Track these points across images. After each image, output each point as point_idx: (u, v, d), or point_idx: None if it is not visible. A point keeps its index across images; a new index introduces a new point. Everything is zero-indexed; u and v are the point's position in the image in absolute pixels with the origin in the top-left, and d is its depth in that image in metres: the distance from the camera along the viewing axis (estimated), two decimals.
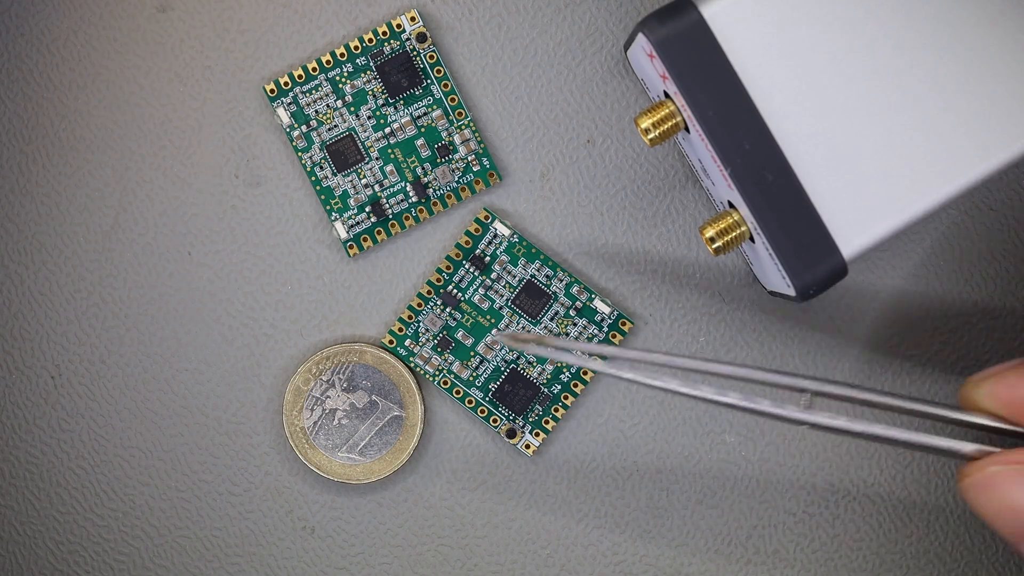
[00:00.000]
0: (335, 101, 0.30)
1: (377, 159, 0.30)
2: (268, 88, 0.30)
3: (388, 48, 0.30)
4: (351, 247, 0.30)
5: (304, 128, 0.30)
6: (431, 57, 0.30)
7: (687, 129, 0.25)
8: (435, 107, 0.30)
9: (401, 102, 0.30)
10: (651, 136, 0.25)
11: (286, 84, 0.30)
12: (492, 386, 0.30)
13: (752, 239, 0.25)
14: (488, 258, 0.30)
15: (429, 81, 0.30)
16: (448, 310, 0.30)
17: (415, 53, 0.30)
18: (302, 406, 0.30)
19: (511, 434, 0.30)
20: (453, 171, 0.30)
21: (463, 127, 0.30)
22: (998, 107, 0.25)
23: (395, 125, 0.30)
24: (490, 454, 0.31)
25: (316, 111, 0.30)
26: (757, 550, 0.31)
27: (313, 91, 0.30)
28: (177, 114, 0.30)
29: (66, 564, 0.31)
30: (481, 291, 0.30)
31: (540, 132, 0.30)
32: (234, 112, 0.30)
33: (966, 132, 0.25)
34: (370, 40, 0.30)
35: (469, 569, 0.31)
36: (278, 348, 0.31)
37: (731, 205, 0.26)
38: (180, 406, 0.31)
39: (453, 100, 0.30)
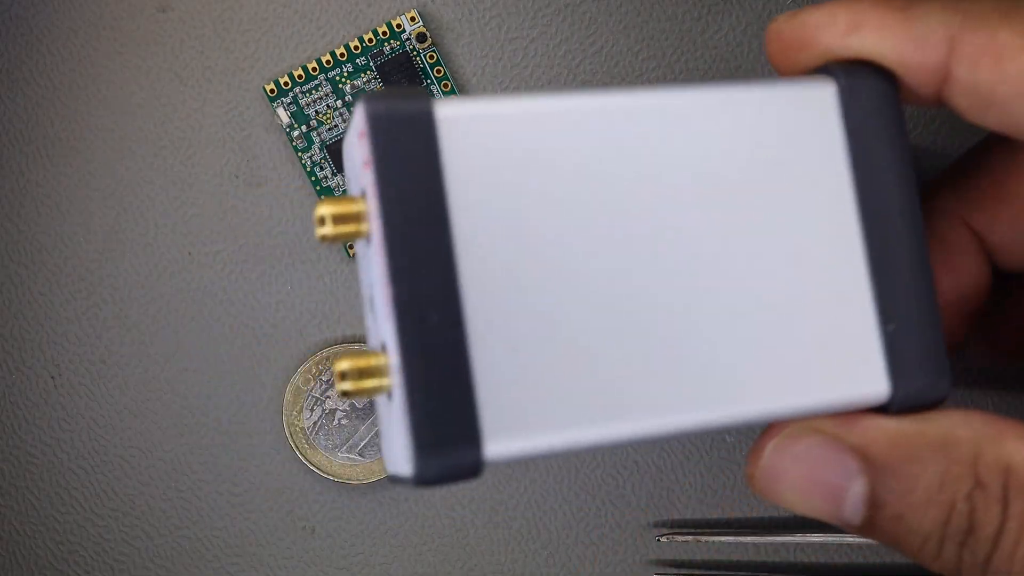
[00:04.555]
0: (335, 101, 0.30)
1: None
2: (268, 88, 0.30)
3: (388, 48, 0.30)
4: (351, 247, 0.30)
5: (304, 128, 0.30)
6: (431, 57, 0.30)
7: (368, 239, 0.19)
8: None
9: None
10: (323, 231, 0.19)
11: (286, 84, 0.30)
12: None
13: (389, 395, 0.19)
14: None
15: (429, 81, 0.30)
16: None
17: (415, 53, 0.30)
18: (302, 406, 0.30)
19: None
20: None
21: None
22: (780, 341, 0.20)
23: None
24: None
25: (316, 111, 0.30)
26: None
27: (313, 91, 0.30)
28: (177, 114, 0.30)
29: (66, 564, 0.31)
30: None
31: None
32: (234, 112, 0.30)
33: (709, 360, 0.19)
34: (370, 40, 0.30)
35: (469, 569, 0.31)
36: (278, 348, 0.31)
37: (384, 348, 0.19)
38: (180, 406, 0.31)
39: None
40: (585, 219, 0.19)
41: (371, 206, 0.19)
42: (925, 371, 0.20)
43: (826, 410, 0.20)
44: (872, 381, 0.20)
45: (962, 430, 0.20)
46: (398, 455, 0.19)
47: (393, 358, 0.18)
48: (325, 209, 0.19)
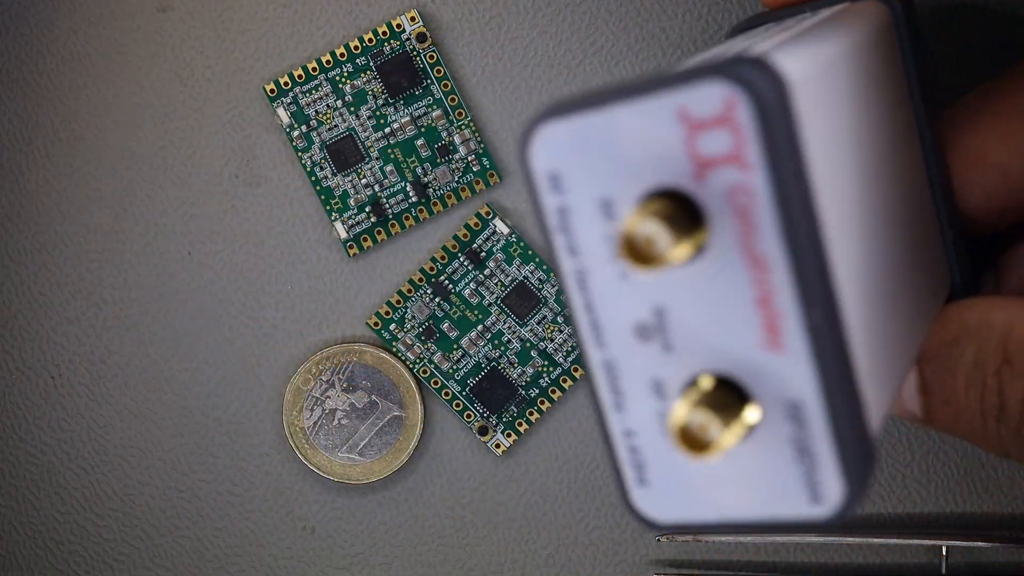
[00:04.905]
0: (335, 101, 0.30)
1: (377, 159, 0.30)
2: (268, 88, 0.30)
3: (388, 48, 0.30)
4: (351, 247, 0.30)
5: (304, 128, 0.30)
6: (431, 57, 0.30)
7: (702, 254, 0.15)
8: (435, 107, 0.30)
9: (401, 102, 0.30)
10: (672, 256, 0.14)
11: (286, 84, 0.30)
12: (471, 381, 0.30)
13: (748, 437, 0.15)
14: (484, 254, 0.30)
15: (429, 81, 0.30)
16: (437, 300, 0.30)
17: (415, 53, 0.30)
18: (302, 406, 0.30)
19: (483, 431, 0.30)
20: (453, 171, 0.30)
21: (463, 127, 0.30)
22: None
23: (395, 125, 0.30)
24: (490, 454, 0.31)
25: (316, 111, 0.30)
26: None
27: (313, 91, 0.30)
28: (177, 114, 0.30)
29: (66, 564, 0.31)
30: (473, 286, 0.30)
31: None
32: (234, 112, 0.30)
33: None
34: (370, 40, 0.30)
35: (469, 569, 0.31)
36: (278, 348, 0.31)
37: (723, 384, 0.15)
38: (180, 406, 0.31)
39: (453, 100, 0.30)
40: (872, 158, 0.17)
41: (740, 211, 0.14)
42: (963, 262, 0.22)
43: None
44: (945, 284, 0.22)
45: (997, 313, 0.21)
46: (791, 495, 0.15)
47: (799, 381, 0.15)
48: (651, 226, 0.14)
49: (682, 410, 0.14)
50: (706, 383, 0.15)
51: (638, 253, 0.14)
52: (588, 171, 0.15)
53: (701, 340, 0.15)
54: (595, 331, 0.16)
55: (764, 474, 0.15)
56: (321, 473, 0.31)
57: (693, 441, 0.14)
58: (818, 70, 0.15)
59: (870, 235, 0.17)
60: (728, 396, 0.15)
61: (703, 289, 0.15)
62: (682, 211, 0.14)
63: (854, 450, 0.15)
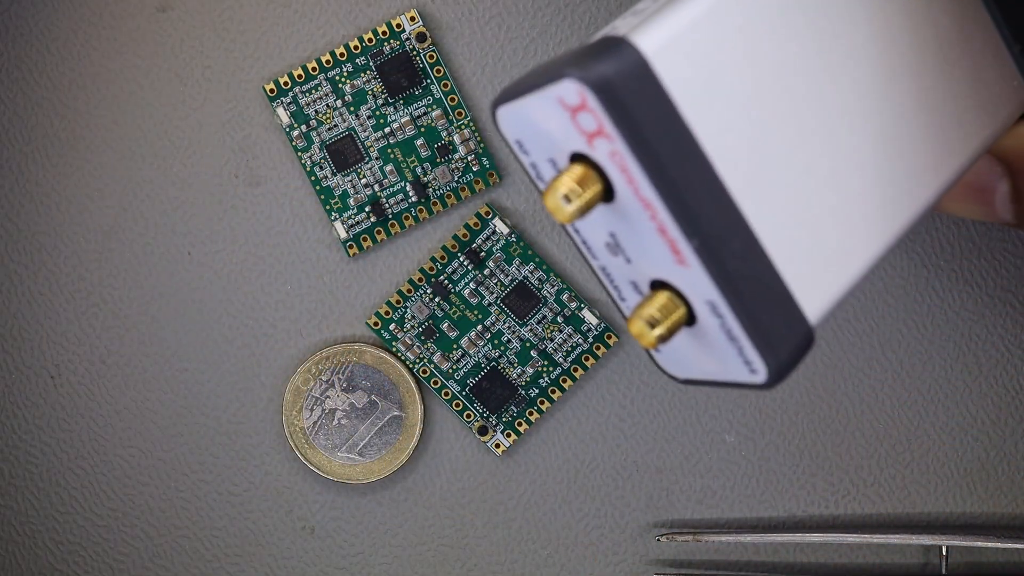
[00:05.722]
0: (335, 101, 0.30)
1: (377, 159, 0.30)
2: (268, 88, 0.30)
3: (388, 48, 0.30)
4: (351, 247, 0.30)
5: (304, 128, 0.30)
6: (431, 57, 0.30)
7: (606, 197, 0.20)
8: (435, 107, 0.30)
9: (401, 102, 0.30)
10: (571, 207, 0.19)
11: (286, 84, 0.30)
12: (470, 381, 0.30)
13: (690, 323, 0.20)
14: (483, 254, 0.30)
15: (429, 81, 0.30)
16: (437, 300, 0.30)
17: (415, 53, 0.30)
18: (301, 406, 0.30)
19: (483, 431, 0.30)
20: (453, 171, 0.30)
21: (463, 127, 0.30)
22: (947, 115, 0.22)
23: (395, 125, 0.30)
24: (490, 454, 0.31)
25: (316, 111, 0.30)
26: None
27: (313, 91, 0.30)
28: (177, 114, 0.30)
29: (65, 564, 0.31)
30: (472, 285, 0.30)
31: None
32: (234, 112, 0.30)
33: (920, 146, 0.22)
34: (370, 40, 0.30)
35: (469, 569, 0.31)
36: (278, 348, 0.31)
37: (658, 285, 0.20)
38: (180, 406, 0.31)
39: (453, 100, 0.30)
40: (787, 81, 0.20)
41: (617, 165, 0.19)
42: None
43: (991, 140, 0.23)
44: (1017, 95, 0.23)
45: None
46: (736, 366, 0.20)
47: (701, 288, 0.19)
48: (566, 186, 0.19)
49: (633, 317, 0.19)
50: (652, 292, 0.20)
51: (556, 205, 0.19)
52: (533, 139, 0.20)
53: (643, 258, 0.20)
54: (586, 247, 0.21)
55: (716, 351, 0.20)
56: (321, 473, 0.31)
57: (643, 338, 0.19)
58: (684, 32, 0.19)
59: (800, 140, 0.20)
60: (671, 300, 0.20)
61: (626, 222, 0.19)
62: (589, 170, 0.19)
63: (768, 329, 0.19)
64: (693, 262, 0.19)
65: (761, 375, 0.20)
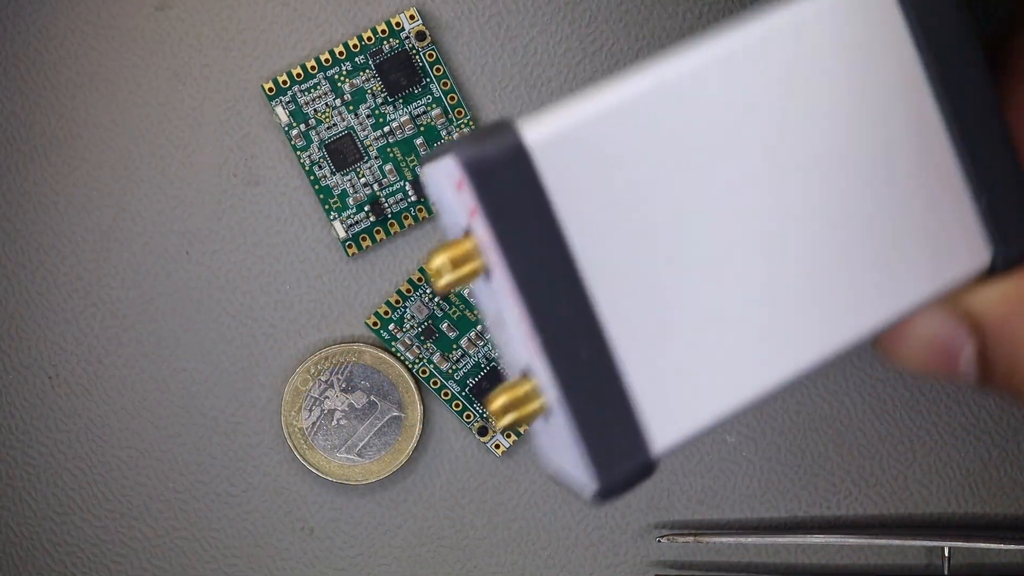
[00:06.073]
0: (334, 100, 0.30)
1: (376, 158, 0.30)
2: (267, 87, 0.30)
3: (387, 47, 0.30)
4: (350, 246, 0.30)
5: (303, 127, 0.30)
6: (430, 56, 0.30)
7: (487, 275, 0.20)
8: (434, 106, 0.30)
9: (400, 101, 0.30)
10: (444, 280, 0.19)
11: (285, 83, 0.30)
12: (470, 382, 0.30)
13: (546, 417, 0.20)
14: None
15: (428, 80, 0.30)
16: (436, 300, 0.30)
17: (414, 52, 0.30)
18: (300, 406, 0.30)
19: (483, 431, 0.30)
20: None
21: (462, 126, 0.30)
22: (876, 264, 0.21)
23: (394, 124, 0.30)
24: (490, 454, 0.31)
25: (315, 110, 0.30)
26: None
27: (312, 90, 0.30)
28: (175, 113, 0.30)
29: (63, 565, 0.31)
30: None
31: None
32: (233, 111, 0.30)
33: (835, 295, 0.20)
34: (369, 39, 0.30)
35: (469, 570, 0.31)
36: (277, 348, 0.31)
37: (526, 373, 0.20)
38: (178, 406, 0.31)
39: (452, 99, 0.30)
40: (688, 195, 0.20)
41: (487, 248, 0.19)
42: (1019, 227, 0.22)
43: (939, 295, 0.21)
44: (974, 253, 0.22)
45: None
46: (572, 473, 0.20)
47: (548, 388, 0.19)
48: (441, 258, 0.19)
49: (498, 400, 0.19)
50: (519, 378, 0.19)
51: (433, 273, 0.19)
52: (441, 203, 0.20)
53: (513, 343, 0.19)
54: (483, 314, 0.20)
55: (565, 448, 0.19)
56: (320, 474, 0.30)
57: (498, 421, 0.19)
58: (580, 126, 0.19)
59: (685, 259, 0.19)
60: (532, 391, 0.19)
61: (498, 303, 0.19)
62: (466, 248, 0.19)
63: (601, 446, 0.19)
64: (536, 352, 0.19)
65: (590, 488, 0.19)
